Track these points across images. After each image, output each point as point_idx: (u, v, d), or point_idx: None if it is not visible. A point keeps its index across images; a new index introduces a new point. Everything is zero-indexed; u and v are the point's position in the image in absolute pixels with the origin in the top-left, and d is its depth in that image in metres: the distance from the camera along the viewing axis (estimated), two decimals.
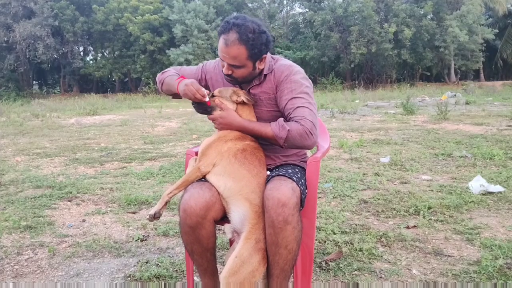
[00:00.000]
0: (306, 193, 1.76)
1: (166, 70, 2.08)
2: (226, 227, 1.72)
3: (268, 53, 1.83)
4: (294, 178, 1.68)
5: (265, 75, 1.85)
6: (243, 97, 1.82)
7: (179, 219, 1.69)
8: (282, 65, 1.85)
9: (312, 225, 1.78)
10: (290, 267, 1.62)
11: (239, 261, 1.57)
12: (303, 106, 1.72)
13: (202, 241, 1.67)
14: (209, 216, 1.64)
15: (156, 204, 1.75)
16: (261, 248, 1.61)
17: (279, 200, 1.55)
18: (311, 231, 1.78)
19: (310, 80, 1.85)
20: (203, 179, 1.75)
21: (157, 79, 2.06)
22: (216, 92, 1.85)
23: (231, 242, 1.82)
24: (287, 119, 1.75)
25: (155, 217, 1.71)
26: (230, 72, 1.78)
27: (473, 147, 5.67)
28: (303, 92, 1.76)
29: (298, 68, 1.85)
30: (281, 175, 1.70)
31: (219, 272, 1.81)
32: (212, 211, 1.64)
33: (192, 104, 1.84)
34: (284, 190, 1.57)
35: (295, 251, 1.60)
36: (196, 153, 1.92)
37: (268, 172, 1.82)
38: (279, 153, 1.91)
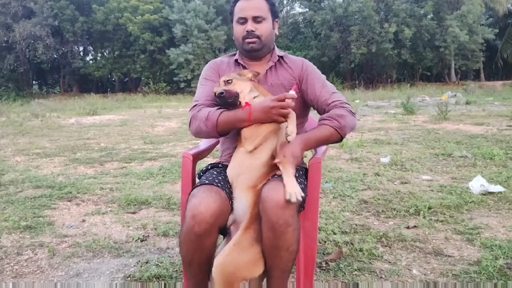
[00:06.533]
0: (306, 193, 1.71)
1: (196, 109, 1.78)
2: (229, 217, 1.63)
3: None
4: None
5: (280, 58, 1.90)
6: (249, 74, 1.78)
7: (183, 226, 1.55)
8: (294, 57, 1.96)
9: (314, 227, 1.76)
10: (291, 266, 1.59)
11: (237, 249, 1.47)
12: (336, 92, 1.83)
13: (205, 250, 1.55)
14: (216, 223, 1.54)
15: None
16: (260, 240, 1.53)
17: (278, 202, 1.47)
18: (314, 233, 1.76)
19: None
20: (211, 183, 1.64)
21: (203, 124, 1.70)
22: (224, 79, 1.73)
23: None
24: (324, 105, 1.80)
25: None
26: (253, 29, 1.80)
27: (473, 147, 5.67)
28: (325, 79, 1.89)
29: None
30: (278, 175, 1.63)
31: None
32: (221, 218, 1.55)
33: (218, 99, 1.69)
34: (283, 191, 1.49)
35: (296, 251, 1.57)
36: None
37: None
38: None
